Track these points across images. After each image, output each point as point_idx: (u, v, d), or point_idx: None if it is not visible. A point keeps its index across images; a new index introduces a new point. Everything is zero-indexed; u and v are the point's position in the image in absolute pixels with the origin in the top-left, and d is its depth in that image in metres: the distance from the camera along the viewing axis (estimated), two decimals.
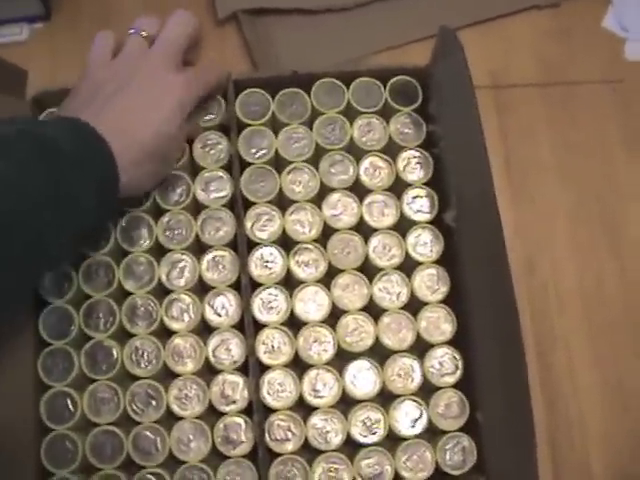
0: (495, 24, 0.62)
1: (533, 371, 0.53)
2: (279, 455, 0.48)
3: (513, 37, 0.62)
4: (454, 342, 0.50)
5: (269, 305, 0.50)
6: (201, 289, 0.51)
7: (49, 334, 0.49)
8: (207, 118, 0.53)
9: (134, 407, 0.49)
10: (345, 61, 0.59)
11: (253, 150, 0.53)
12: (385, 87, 0.54)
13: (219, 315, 0.50)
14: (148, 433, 0.49)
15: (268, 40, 0.60)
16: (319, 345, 0.50)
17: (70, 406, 0.49)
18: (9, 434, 0.48)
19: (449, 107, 0.52)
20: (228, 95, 0.53)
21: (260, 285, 0.50)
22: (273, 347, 0.50)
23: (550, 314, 0.56)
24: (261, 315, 0.50)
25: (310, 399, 0.49)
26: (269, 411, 0.49)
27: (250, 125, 0.53)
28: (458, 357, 0.50)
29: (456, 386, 0.50)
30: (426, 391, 0.50)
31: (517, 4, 0.62)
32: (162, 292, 0.51)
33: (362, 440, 0.49)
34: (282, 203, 0.52)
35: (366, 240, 0.52)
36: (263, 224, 0.52)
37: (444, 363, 0.50)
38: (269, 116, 0.53)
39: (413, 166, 0.53)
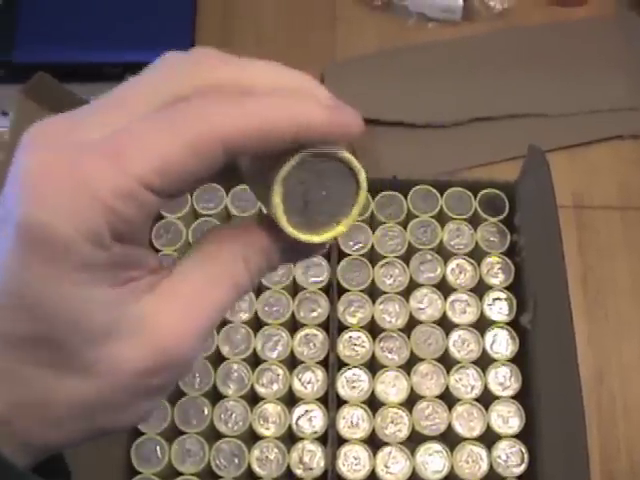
0: (580, 150, 0.67)
1: (596, 476, 0.56)
2: None
3: (596, 163, 0.67)
4: (522, 436, 0.53)
5: (352, 384, 0.55)
6: (291, 362, 0.56)
7: None
8: None
9: (217, 462, 0.53)
10: (440, 172, 0.65)
11: (351, 243, 0.58)
12: (475, 197, 0.59)
13: (305, 388, 0.55)
14: None
15: (372, 146, 0.67)
16: (395, 425, 0.54)
17: (158, 453, 0.53)
18: (100, 472, 0.53)
19: (533, 220, 0.57)
20: None
21: (346, 365, 0.55)
22: (352, 422, 0.54)
23: (616, 424, 0.58)
24: (344, 392, 0.54)
25: (382, 474, 0.52)
26: None
27: None
28: (524, 451, 0.53)
29: (521, 478, 0.52)
30: None
31: (601, 133, 0.67)
32: (255, 361, 0.56)
33: None
34: (373, 293, 0.57)
35: (447, 334, 0.56)
36: (354, 310, 0.57)
37: (511, 455, 0.53)
38: (368, 214, 0.59)
39: (495, 271, 0.58)
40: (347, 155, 0.28)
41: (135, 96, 0.26)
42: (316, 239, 0.28)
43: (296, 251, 0.30)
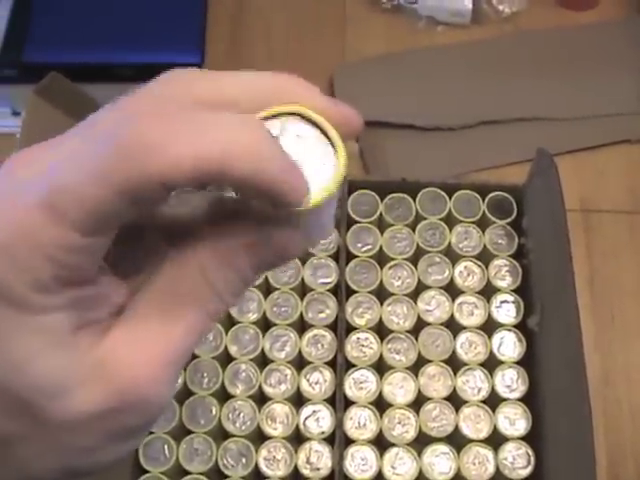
0: (588, 154, 0.67)
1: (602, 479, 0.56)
2: None
3: (604, 167, 0.67)
4: (528, 439, 0.53)
5: (360, 385, 0.55)
6: (299, 363, 0.56)
7: None
8: None
9: (225, 462, 0.53)
10: (448, 175, 0.65)
11: (359, 244, 0.59)
12: (484, 200, 0.60)
13: (313, 388, 0.55)
14: None
15: (380, 149, 0.67)
16: (402, 426, 0.54)
17: (166, 452, 0.54)
18: (108, 471, 0.53)
19: (541, 223, 0.57)
20: (342, 194, 0.59)
21: (354, 366, 0.55)
22: (359, 423, 0.54)
23: (623, 428, 0.58)
24: (352, 393, 0.55)
25: (389, 475, 0.53)
26: None
27: (359, 222, 0.59)
28: (531, 453, 0.53)
29: None
30: None
31: (609, 137, 0.68)
32: (264, 361, 0.56)
33: None
34: (381, 294, 0.57)
35: (454, 336, 0.56)
36: (362, 311, 0.57)
37: (517, 457, 0.53)
38: (377, 216, 0.59)
39: (503, 273, 0.58)
40: (328, 127, 0.26)
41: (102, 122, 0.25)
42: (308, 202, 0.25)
43: (271, 246, 0.26)
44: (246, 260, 0.25)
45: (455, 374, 0.55)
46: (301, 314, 0.57)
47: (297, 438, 0.54)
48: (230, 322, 0.57)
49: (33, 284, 0.23)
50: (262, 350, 0.56)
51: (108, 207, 0.23)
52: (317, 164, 0.26)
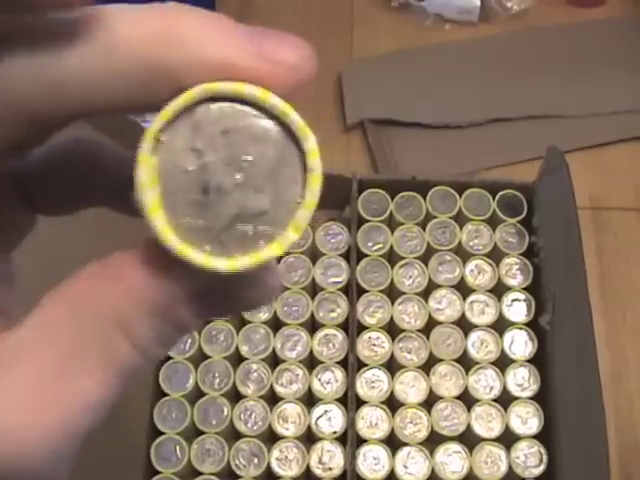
0: (597, 151, 0.67)
1: (614, 477, 0.56)
2: None
3: (614, 164, 0.67)
4: (540, 437, 0.53)
5: (372, 384, 0.55)
6: (311, 362, 0.56)
7: (167, 386, 0.55)
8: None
9: (237, 462, 0.54)
10: (458, 173, 0.65)
11: (370, 243, 0.59)
12: (494, 199, 0.60)
13: (325, 388, 0.55)
14: None
15: (389, 147, 0.67)
16: (414, 426, 0.54)
17: (178, 453, 0.54)
18: (120, 472, 0.53)
19: (551, 221, 0.57)
20: (352, 192, 0.59)
21: (365, 365, 0.55)
22: (371, 423, 0.54)
23: (634, 425, 0.58)
24: (363, 392, 0.55)
25: (401, 474, 0.53)
26: None
27: (369, 221, 0.59)
28: (543, 452, 0.53)
29: (539, 479, 0.53)
30: None
31: (619, 135, 0.67)
32: (275, 361, 0.56)
33: None
34: (392, 293, 0.57)
35: (466, 334, 0.56)
36: (373, 310, 0.57)
37: (529, 456, 0.53)
38: (387, 215, 0.59)
39: (514, 272, 0.58)
40: (280, 103, 0.16)
41: None
42: (224, 265, 0.16)
43: (215, 297, 0.18)
44: (190, 309, 0.18)
45: (467, 373, 0.55)
46: (312, 313, 0.57)
47: (309, 438, 0.54)
48: (241, 322, 0.57)
49: None
50: (273, 350, 0.56)
51: None
52: (275, 184, 0.16)
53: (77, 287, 0.17)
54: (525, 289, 0.57)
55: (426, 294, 0.57)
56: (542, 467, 0.53)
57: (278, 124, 0.16)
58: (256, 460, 0.54)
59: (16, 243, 0.20)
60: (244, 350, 0.56)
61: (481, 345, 0.56)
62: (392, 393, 0.54)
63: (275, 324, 0.57)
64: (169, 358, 0.55)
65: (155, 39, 0.16)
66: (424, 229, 0.59)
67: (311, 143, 0.16)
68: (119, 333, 0.17)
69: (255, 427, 0.54)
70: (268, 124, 0.16)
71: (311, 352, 0.56)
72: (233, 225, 0.16)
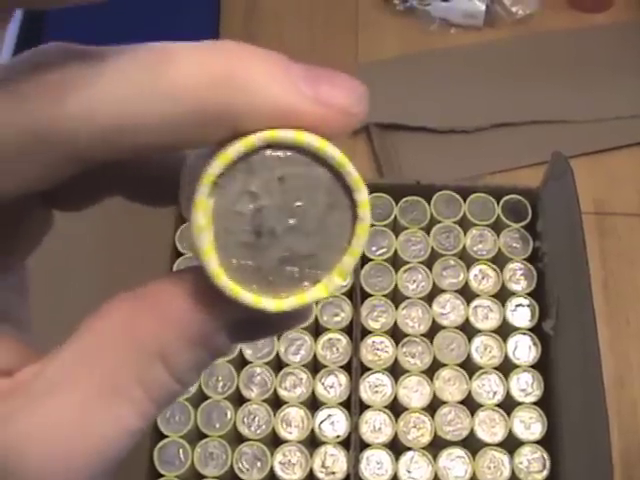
0: (601, 156, 0.67)
1: None
2: None
3: (618, 169, 0.67)
4: (544, 442, 0.53)
5: (375, 389, 0.55)
6: (315, 366, 0.56)
7: None
8: None
9: (240, 465, 0.54)
10: (463, 178, 0.65)
11: (374, 248, 0.59)
12: (498, 204, 0.60)
13: (328, 392, 0.55)
14: None
15: (394, 151, 0.67)
16: (417, 430, 0.54)
17: (181, 456, 0.54)
18: (122, 474, 0.53)
19: (555, 226, 0.57)
20: None
21: (369, 369, 0.55)
22: (375, 427, 0.54)
23: (637, 430, 0.58)
24: (367, 396, 0.55)
25: (404, 479, 0.53)
26: None
27: (374, 225, 0.59)
28: (546, 457, 0.53)
29: None
30: None
31: (623, 140, 0.68)
32: (278, 365, 0.56)
33: None
34: (396, 298, 0.57)
35: (469, 339, 0.56)
36: (377, 315, 0.57)
37: (533, 461, 0.53)
38: (391, 219, 0.59)
39: (518, 277, 0.58)
40: (337, 154, 0.16)
41: None
42: (271, 306, 0.17)
43: (254, 325, 0.18)
44: (229, 337, 0.18)
45: (470, 378, 0.55)
46: (316, 317, 0.57)
47: (312, 442, 0.55)
48: None
49: None
50: (277, 354, 0.56)
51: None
52: (324, 229, 0.17)
53: (116, 317, 0.17)
54: (529, 294, 0.57)
55: (430, 299, 0.57)
56: (545, 472, 0.53)
57: (330, 171, 0.16)
58: (259, 464, 0.54)
59: (34, 246, 0.20)
60: (248, 354, 0.56)
61: (485, 350, 0.56)
62: (396, 397, 0.54)
63: None
64: None
65: (218, 83, 0.16)
66: (428, 234, 0.59)
67: (363, 195, 0.16)
68: (159, 363, 0.17)
69: (258, 431, 0.54)
70: (322, 172, 0.16)
71: (315, 356, 0.56)
72: (281, 266, 0.16)
